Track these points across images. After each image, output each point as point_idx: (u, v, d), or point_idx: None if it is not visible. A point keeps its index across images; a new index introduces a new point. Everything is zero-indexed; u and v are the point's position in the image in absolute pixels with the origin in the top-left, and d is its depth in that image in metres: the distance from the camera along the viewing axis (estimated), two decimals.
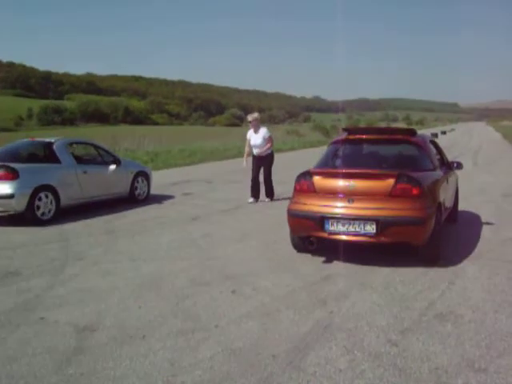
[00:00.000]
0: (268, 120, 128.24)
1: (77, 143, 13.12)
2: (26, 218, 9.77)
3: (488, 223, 9.24)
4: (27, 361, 4.10)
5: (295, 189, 7.29)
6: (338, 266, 6.65)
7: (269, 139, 12.13)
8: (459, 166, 9.03)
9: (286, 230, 8.22)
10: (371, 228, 6.47)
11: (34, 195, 9.73)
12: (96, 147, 12.42)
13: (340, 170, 7.19)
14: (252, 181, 12.18)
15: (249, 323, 4.78)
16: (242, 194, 13.51)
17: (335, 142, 8.26)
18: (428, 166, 7.49)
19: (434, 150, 8.32)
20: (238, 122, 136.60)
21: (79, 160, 11.48)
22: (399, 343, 4.32)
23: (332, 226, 6.68)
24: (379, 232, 6.44)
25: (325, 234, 6.82)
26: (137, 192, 12.53)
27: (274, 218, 10.04)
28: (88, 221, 10.07)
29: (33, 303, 5.44)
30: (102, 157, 12.16)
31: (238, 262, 6.93)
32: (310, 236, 7.16)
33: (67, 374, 3.88)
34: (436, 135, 11.38)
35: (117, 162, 12.06)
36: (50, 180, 10.19)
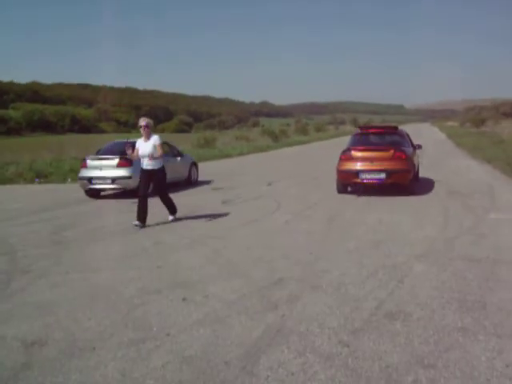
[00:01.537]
0: (217, 125, 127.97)
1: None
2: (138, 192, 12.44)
3: (433, 222, 9.46)
4: None
5: (341, 158, 13.75)
6: (290, 269, 6.67)
7: (159, 147, 10.25)
8: (420, 147, 15.65)
9: (237, 234, 8.28)
10: (383, 175, 12.97)
11: None
12: (168, 144, 16.77)
13: (366, 147, 13.83)
14: (139, 199, 10.19)
15: (200, 330, 4.74)
16: (191, 200, 13.50)
17: (355, 134, 15.14)
18: (407, 145, 14.30)
19: (408, 137, 15.08)
20: (187, 128, 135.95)
21: None
22: (350, 344, 4.36)
23: (363, 175, 13.16)
24: (387, 177, 12.95)
25: (358, 180, 13.29)
26: (192, 177, 17.82)
27: (224, 223, 10.05)
28: (31, 233, 9.83)
29: None
30: (172, 151, 16.87)
31: (188, 269, 6.88)
32: (350, 182, 13.70)
33: None
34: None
35: (180, 155, 17.37)
36: None
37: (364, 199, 12.78)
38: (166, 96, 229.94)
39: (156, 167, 10.22)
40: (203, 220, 10.51)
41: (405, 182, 13.14)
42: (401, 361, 4.03)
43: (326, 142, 56.56)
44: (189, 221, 10.49)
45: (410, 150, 14.11)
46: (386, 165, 12.95)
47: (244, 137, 53.04)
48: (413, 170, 13.46)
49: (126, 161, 14.11)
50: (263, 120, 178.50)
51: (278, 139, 52.50)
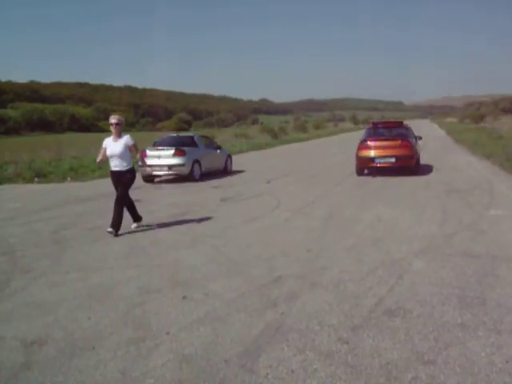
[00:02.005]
0: (216, 123, 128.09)
1: (201, 136, 21.15)
2: (188, 178, 17.57)
3: (432, 219, 9.47)
4: None
5: (359, 147, 17.09)
6: (290, 267, 6.67)
7: (134, 148, 9.49)
8: (420, 138, 19.52)
9: (236, 232, 8.29)
10: (393, 159, 16.38)
11: (193, 165, 17.67)
12: (209, 138, 21.98)
13: (379, 137, 17.22)
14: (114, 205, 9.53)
15: (200, 329, 4.75)
16: (191, 198, 13.52)
17: (369, 128, 19.04)
18: (411, 136, 17.79)
19: (411, 130, 18.70)
20: (186, 126, 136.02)
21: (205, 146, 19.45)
22: (350, 341, 4.37)
23: (377, 160, 16.57)
24: (396, 161, 16.33)
25: (374, 164, 16.69)
26: (228, 167, 20.79)
27: (224, 221, 10.05)
28: (31, 233, 9.82)
29: None
30: (213, 145, 20.58)
31: (188, 267, 6.88)
32: (367, 166, 17.10)
33: None
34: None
35: (219, 148, 20.60)
36: (197, 156, 18.20)
37: (362, 196, 12.76)
38: (165, 94, 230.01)
39: (125, 168, 9.42)
40: (202, 218, 10.49)
41: (410, 164, 16.69)
42: (401, 357, 4.04)
43: (325, 139, 56.59)
44: (188, 219, 10.48)
45: (413, 140, 17.72)
46: (395, 151, 16.53)
47: (243, 134, 53.03)
48: (415, 155, 17.05)
49: (181, 151, 17.39)
50: (262, 117, 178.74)
51: (277, 137, 52.52)
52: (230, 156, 21.25)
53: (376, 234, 8.40)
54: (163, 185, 17.08)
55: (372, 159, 16.74)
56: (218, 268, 6.80)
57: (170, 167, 17.27)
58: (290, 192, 13.93)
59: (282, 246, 7.81)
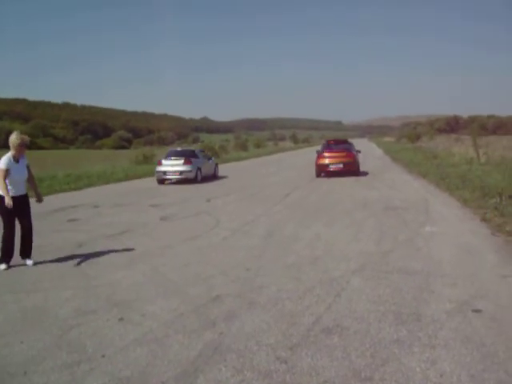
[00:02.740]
0: (157, 141, 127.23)
1: (200, 150, 27.87)
2: (193, 180, 23.24)
3: (370, 237, 9.62)
4: None
5: (318, 156, 24.77)
6: (228, 286, 6.64)
7: (29, 167, 8.40)
8: (359, 151, 27.29)
9: (175, 251, 8.19)
10: (341, 165, 23.90)
11: (197, 171, 23.61)
12: (204, 151, 28.79)
13: (331, 150, 24.96)
14: (8, 238, 8.16)
15: (137, 350, 4.66)
16: (129, 217, 13.33)
17: (324, 144, 27.29)
18: (353, 150, 25.82)
19: (353, 145, 27.10)
20: (126, 144, 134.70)
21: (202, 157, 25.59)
22: (288, 360, 4.37)
23: (331, 166, 24.03)
24: (343, 167, 23.86)
25: (328, 169, 24.06)
26: (216, 174, 27.09)
27: (162, 240, 9.94)
28: None
29: None
30: (206, 156, 27.03)
31: (125, 288, 6.76)
32: (324, 170, 24.34)
33: None
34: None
35: (210, 158, 27.38)
36: (199, 165, 24.19)
37: (302, 215, 12.83)
38: (104, 112, 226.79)
39: (26, 192, 8.40)
40: (141, 237, 10.35)
41: (353, 169, 23.78)
42: (338, 375, 4.07)
43: (265, 158, 56.90)
44: (126, 238, 10.30)
45: (355, 152, 25.31)
46: (343, 160, 23.73)
47: None
48: (357, 163, 24.36)
49: (189, 160, 23.57)
50: (203, 136, 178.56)
51: (217, 155, 52.56)
52: (217, 164, 28.01)
53: (314, 253, 8.46)
54: (101, 204, 16.71)
55: (327, 165, 23.92)
56: (156, 288, 6.71)
57: (180, 172, 23.26)
58: (230, 211, 13.91)
59: (220, 265, 7.78)
